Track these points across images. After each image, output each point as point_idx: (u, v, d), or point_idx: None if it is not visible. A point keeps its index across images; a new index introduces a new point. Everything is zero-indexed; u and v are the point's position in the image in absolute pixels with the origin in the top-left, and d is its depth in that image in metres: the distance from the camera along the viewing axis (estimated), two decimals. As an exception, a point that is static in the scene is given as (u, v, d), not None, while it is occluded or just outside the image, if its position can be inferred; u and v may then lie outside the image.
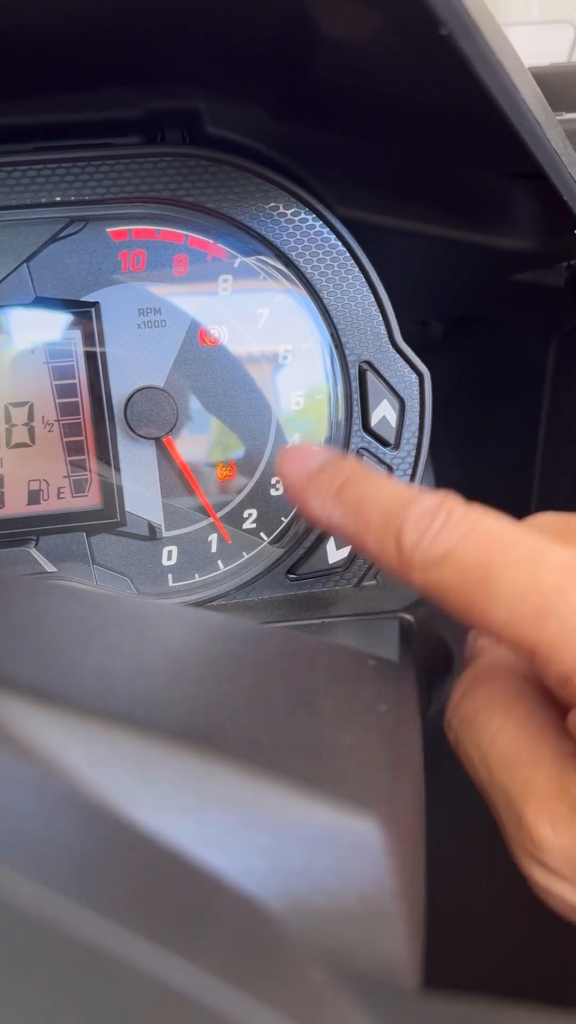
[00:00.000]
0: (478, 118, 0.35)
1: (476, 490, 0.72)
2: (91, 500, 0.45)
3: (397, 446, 0.46)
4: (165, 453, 0.45)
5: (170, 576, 0.46)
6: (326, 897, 0.21)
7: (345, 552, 0.47)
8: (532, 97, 0.36)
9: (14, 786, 0.17)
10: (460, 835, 0.74)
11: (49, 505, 0.44)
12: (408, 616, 0.42)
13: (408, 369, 0.45)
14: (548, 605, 0.26)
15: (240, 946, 0.15)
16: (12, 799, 0.17)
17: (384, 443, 0.46)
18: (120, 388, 0.44)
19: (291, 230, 0.43)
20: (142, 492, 0.45)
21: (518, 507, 0.64)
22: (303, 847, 0.21)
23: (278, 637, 0.28)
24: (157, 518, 0.46)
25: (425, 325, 0.74)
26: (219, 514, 0.46)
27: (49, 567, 0.44)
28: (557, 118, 0.49)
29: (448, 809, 0.72)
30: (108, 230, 0.42)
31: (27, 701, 0.19)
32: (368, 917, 0.22)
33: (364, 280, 0.44)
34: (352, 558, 0.47)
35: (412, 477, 0.47)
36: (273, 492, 0.47)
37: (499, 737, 0.29)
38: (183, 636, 0.26)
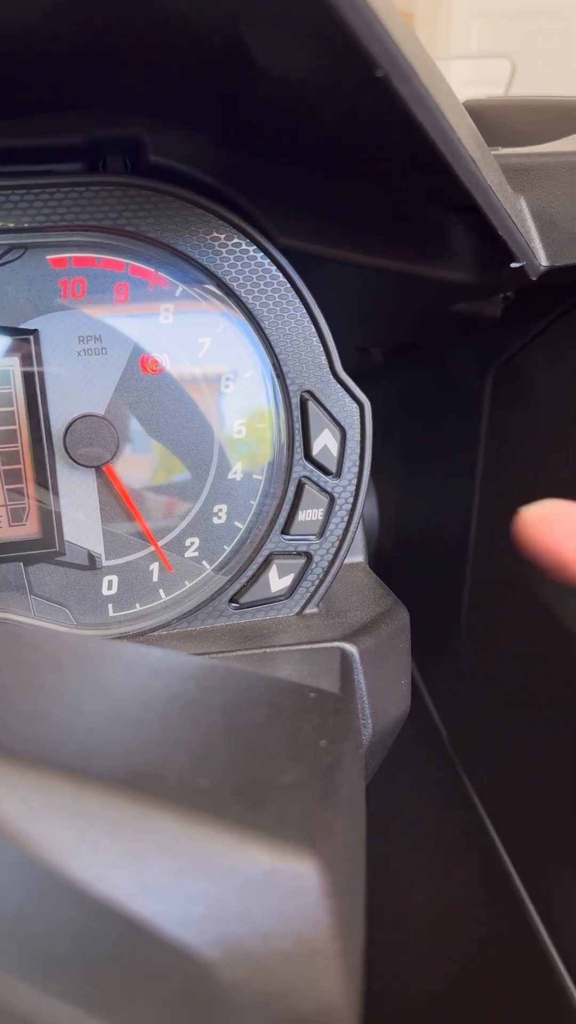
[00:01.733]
0: (416, 153, 0.35)
1: (417, 513, 0.73)
2: (29, 529, 0.44)
3: (339, 474, 0.47)
4: (106, 481, 0.45)
5: (110, 606, 0.46)
6: (263, 940, 0.21)
7: (288, 580, 0.47)
8: (468, 135, 0.37)
9: None
10: (404, 859, 0.74)
11: (-15, 534, 0.43)
12: (349, 645, 0.42)
13: (349, 399, 0.46)
14: None
15: (175, 1007, 0.15)
16: None
17: (326, 471, 0.46)
18: (59, 416, 0.43)
19: (232, 260, 0.43)
20: (81, 521, 0.45)
21: (458, 529, 0.66)
22: (240, 891, 0.21)
23: (218, 672, 0.28)
24: (97, 547, 0.45)
25: (366, 352, 0.75)
26: (161, 542, 0.46)
27: (-15, 598, 0.43)
28: (493, 153, 0.50)
29: (393, 832, 0.73)
30: (48, 257, 0.42)
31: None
32: (306, 958, 0.22)
33: (305, 311, 0.44)
34: (295, 586, 0.47)
35: (353, 505, 0.47)
36: (216, 520, 0.47)
37: None
38: (121, 674, 0.26)
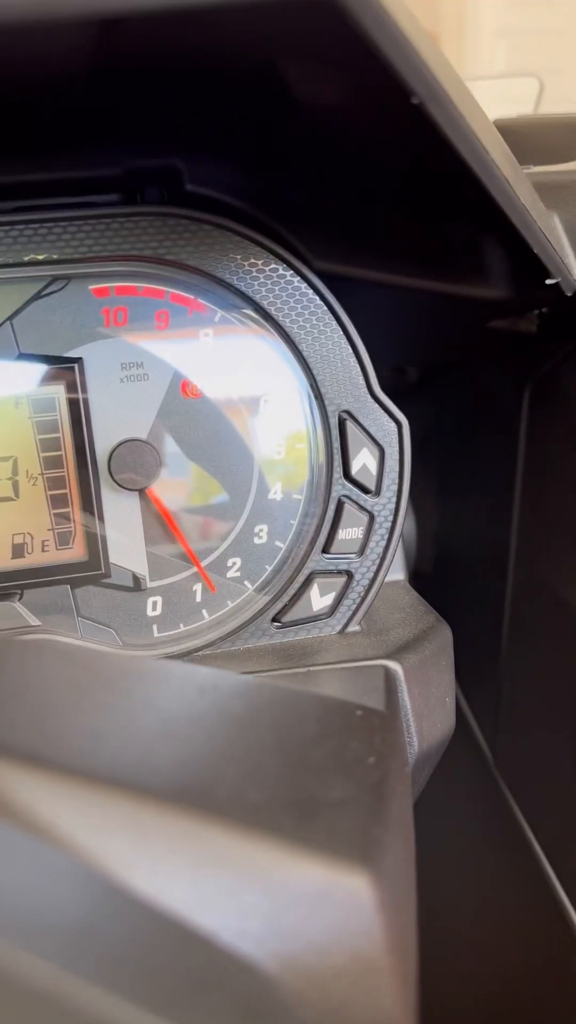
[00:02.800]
0: (450, 176, 0.36)
1: (455, 531, 0.73)
2: (75, 552, 0.45)
3: (378, 493, 0.47)
4: (149, 504, 0.46)
5: (155, 627, 0.46)
6: (319, 955, 0.21)
7: (329, 599, 0.47)
8: (501, 156, 0.37)
9: (7, 854, 0.17)
10: (450, 880, 0.74)
11: (34, 558, 0.44)
12: (393, 664, 0.42)
13: (387, 418, 0.46)
14: None
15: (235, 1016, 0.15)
16: (5, 868, 0.17)
17: (365, 490, 0.47)
18: (104, 441, 0.44)
19: (269, 285, 0.44)
20: (126, 543, 0.46)
21: (497, 547, 0.65)
22: (296, 906, 0.21)
23: (265, 690, 0.28)
24: (141, 569, 0.46)
25: (402, 371, 0.75)
26: (203, 563, 0.47)
27: (34, 620, 0.44)
28: (525, 171, 0.51)
29: (438, 852, 0.72)
30: (91, 287, 0.43)
31: (20, 767, 0.19)
32: (361, 973, 0.22)
33: (342, 332, 0.45)
34: (336, 605, 0.47)
35: (393, 523, 0.47)
36: (256, 540, 0.47)
37: None
38: (172, 693, 0.26)
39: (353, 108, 0.36)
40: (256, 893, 0.21)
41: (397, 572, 0.54)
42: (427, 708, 0.43)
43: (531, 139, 0.73)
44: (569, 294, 0.45)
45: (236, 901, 0.20)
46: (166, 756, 0.22)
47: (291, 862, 0.21)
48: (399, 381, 0.76)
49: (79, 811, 0.19)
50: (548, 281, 0.43)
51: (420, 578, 0.76)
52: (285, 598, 0.47)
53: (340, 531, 0.47)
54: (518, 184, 0.39)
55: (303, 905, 0.21)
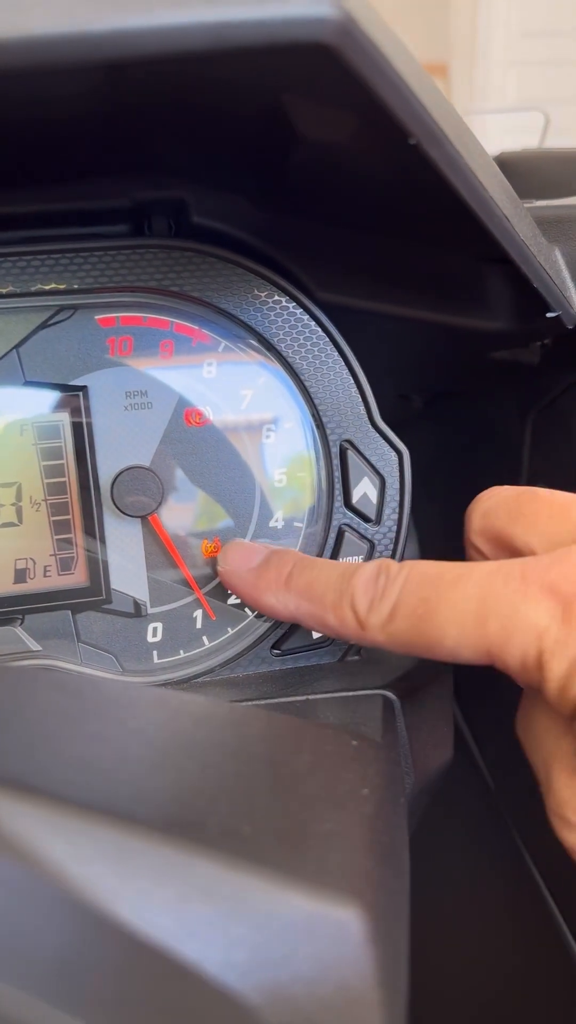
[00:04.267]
0: (451, 212, 0.36)
1: (459, 558, 0.73)
2: (77, 578, 0.45)
3: (379, 522, 0.47)
4: (151, 530, 0.46)
5: (155, 653, 0.46)
6: (306, 986, 0.21)
7: (329, 627, 0.47)
8: (500, 192, 0.38)
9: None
10: (451, 912, 0.73)
11: (35, 584, 0.45)
12: (390, 693, 0.42)
13: (388, 447, 0.46)
14: (485, 610, 0.29)
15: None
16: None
17: (366, 519, 0.47)
18: (107, 467, 0.45)
19: (272, 317, 0.44)
20: (128, 569, 0.46)
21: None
22: (283, 937, 0.21)
23: (260, 720, 0.28)
24: (142, 595, 0.46)
25: (406, 398, 0.75)
26: (204, 590, 0.47)
27: (34, 646, 0.44)
28: (527, 205, 0.51)
29: (439, 884, 0.71)
30: (96, 317, 0.44)
31: (9, 795, 0.19)
32: (348, 1006, 0.22)
33: (343, 363, 0.46)
34: (336, 633, 0.47)
35: (394, 552, 0.47)
36: (257, 568, 0.48)
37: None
38: (165, 722, 0.26)
39: (355, 145, 0.36)
40: (243, 924, 0.21)
41: (398, 600, 0.54)
42: (424, 738, 0.43)
43: (535, 173, 0.74)
44: (570, 327, 0.45)
45: (222, 932, 0.20)
46: (158, 786, 0.22)
47: (279, 894, 0.21)
48: (404, 408, 0.77)
49: (68, 840, 0.19)
50: (549, 314, 0.44)
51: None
52: (285, 626, 0.47)
53: (340, 559, 0.47)
54: (518, 220, 0.40)
55: (290, 937, 0.21)
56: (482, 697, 0.69)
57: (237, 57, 0.25)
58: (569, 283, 0.47)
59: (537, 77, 3.66)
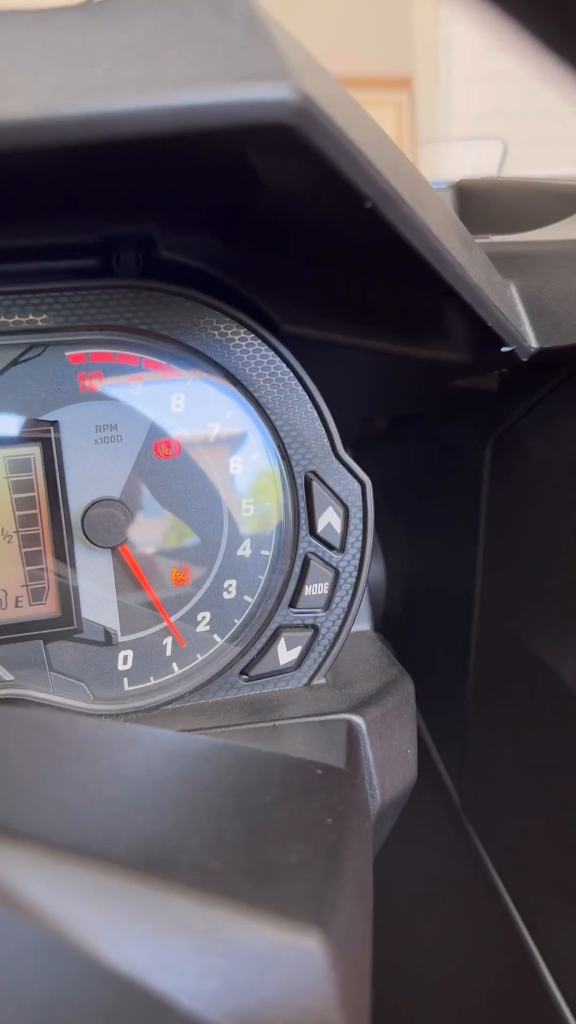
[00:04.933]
0: (408, 257, 0.38)
1: (422, 578, 0.75)
2: (48, 608, 0.46)
3: (343, 549, 0.49)
4: (121, 560, 0.47)
5: (125, 680, 0.47)
6: (273, 1012, 0.23)
7: (296, 653, 0.49)
8: (454, 240, 0.40)
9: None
10: (417, 924, 0.75)
11: (7, 614, 0.46)
12: (356, 717, 0.44)
13: (351, 478, 0.48)
14: None
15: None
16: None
17: (330, 547, 0.48)
18: (78, 499, 0.46)
19: (239, 353, 0.46)
20: (98, 598, 0.47)
21: (462, 595, 0.67)
22: (251, 967, 0.23)
23: (228, 754, 0.30)
24: (113, 624, 0.47)
25: (369, 420, 0.77)
26: (173, 617, 0.48)
27: (6, 675, 0.45)
28: (484, 241, 0.53)
29: (405, 896, 0.73)
30: (67, 354, 0.45)
31: (-8, 842, 0.20)
32: (314, 1030, 0.23)
33: (308, 397, 0.47)
34: (302, 658, 0.49)
35: (357, 578, 0.49)
36: (226, 595, 0.49)
37: None
38: (138, 759, 0.28)
39: (315, 198, 0.38)
40: (214, 956, 0.22)
41: (362, 622, 0.56)
42: (389, 761, 0.44)
43: (493, 203, 0.76)
44: (525, 359, 0.47)
45: (195, 964, 0.22)
46: (132, 825, 0.24)
47: (248, 926, 0.23)
48: (368, 430, 0.78)
49: (46, 881, 0.20)
50: (504, 349, 0.46)
51: (389, 620, 0.78)
52: (253, 651, 0.48)
53: (306, 587, 0.48)
54: (471, 264, 0.41)
55: (259, 966, 0.23)
56: (448, 715, 0.71)
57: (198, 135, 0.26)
58: (524, 318, 0.48)
59: (500, 90, 3.71)
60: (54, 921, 0.20)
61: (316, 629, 0.49)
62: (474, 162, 0.97)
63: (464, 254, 0.41)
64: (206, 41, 0.24)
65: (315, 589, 0.49)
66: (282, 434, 0.47)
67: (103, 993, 0.19)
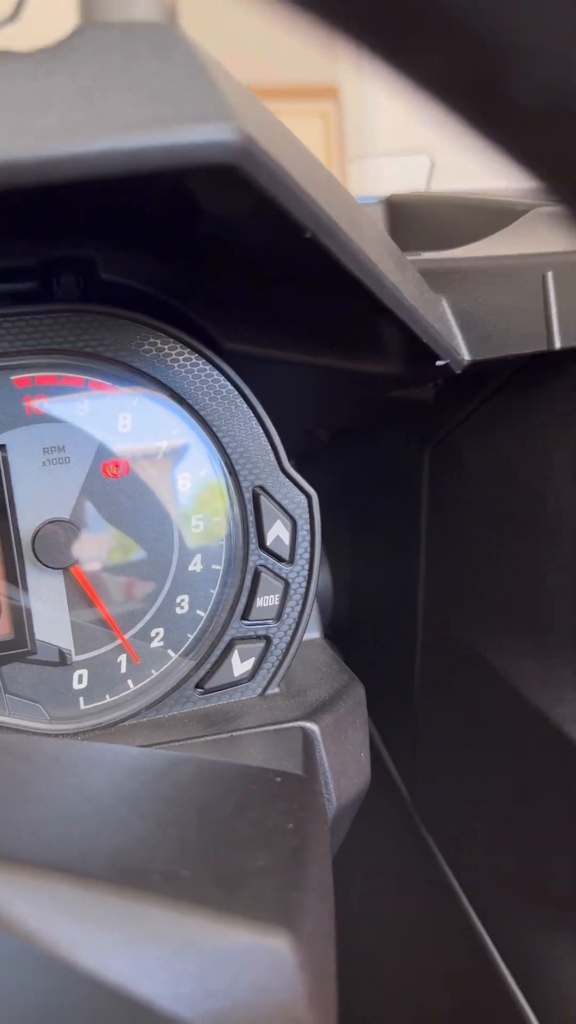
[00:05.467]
0: (346, 278, 0.40)
1: (368, 584, 0.76)
2: (1, 630, 0.47)
3: (292, 561, 0.50)
4: (73, 580, 0.48)
5: (81, 699, 0.48)
6: (246, 1010, 0.24)
7: (250, 664, 0.50)
8: (389, 262, 0.42)
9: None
10: (372, 919, 0.76)
11: (-40, 638, 0.46)
12: (310, 724, 0.45)
13: (297, 491, 0.49)
14: None
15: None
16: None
17: (280, 559, 0.50)
18: (27, 522, 0.46)
19: (183, 372, 0.47)
20: (51, 619, 0.47)
21: (406, 599, 0.69)
22: (224, 969, 0.24)
23: (190, 767, 0.31)
24: (67, 643, 0.48)
25: (312, 433, 0.79)
26: (127, 634, 0.49)
27: (-38, 699, 0.45)
28: (416, 258, 0.55)
29: (360, 891, 0.74)
30: (12, 378, 0.45)
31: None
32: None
33: (252, 414, 0.48)
34: (256, 669, 0.50)
35: (307, 588, 0.50)
36: (179, 610, 0.50)
37: None
38: (100, 777, 0.29)
39: (255, 225, 0.39)
40: (188, 960, 0.23)
41: (313, 631, 0.57)
42: (344, 765, 0.46)
43: (423, 219, 0.78)
44: (458, 372, 0.49)
45: (170, 969, 0.23)
46: (104, 841, 0.25)
47: (219, 930, 0.24)
48: (311, 442, 0.80)
49: (26, 898, 0.21)
50: (438, 363, 0.48)
51: (337, 630, 0.80)
52: (207, 665, 0.49)
53: (258, 599, 0.50)
54: (405, 284, 0.43)
55: (231, 968, 0.24)
56: (397, 717, 0.73)
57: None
58: (456, 331, 0.50)
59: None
60: (37, 936, 0.21)
61: (268, 640, 0.50)
62: (402, 176, 0.99)
63: (398, 275, 0.43)
64: (151, 85, 0.25)
65: (266, 601, 0.50)
66: (228, 450, 0.48)
67: (86, 1001, 0.20)
